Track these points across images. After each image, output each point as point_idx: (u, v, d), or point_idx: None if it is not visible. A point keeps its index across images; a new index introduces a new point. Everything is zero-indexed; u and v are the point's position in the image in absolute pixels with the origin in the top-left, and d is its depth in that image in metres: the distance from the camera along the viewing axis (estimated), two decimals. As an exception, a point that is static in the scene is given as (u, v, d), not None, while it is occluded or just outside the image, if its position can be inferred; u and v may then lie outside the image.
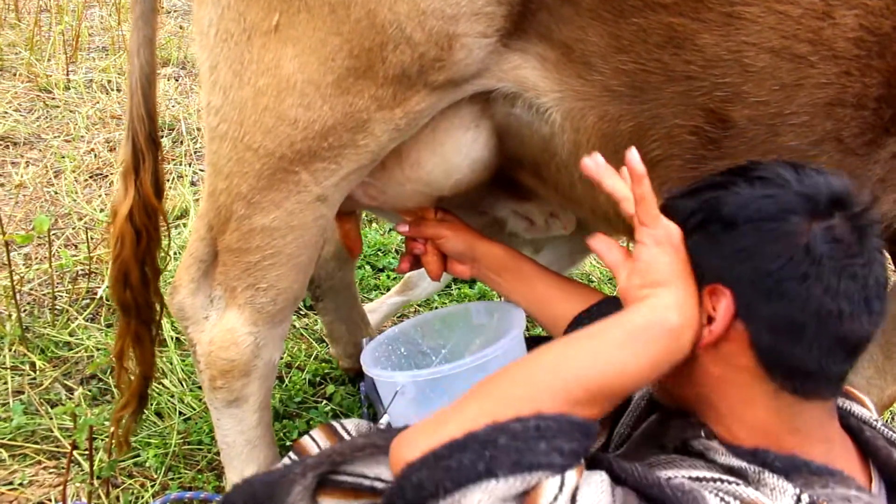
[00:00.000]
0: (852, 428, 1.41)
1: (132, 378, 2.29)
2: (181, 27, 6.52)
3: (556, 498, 1.11)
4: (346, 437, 1.91)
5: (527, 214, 2.21)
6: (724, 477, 1.27)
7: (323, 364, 3.16)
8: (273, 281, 1.93)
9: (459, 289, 3.76)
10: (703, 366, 1.36)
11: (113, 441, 2.34)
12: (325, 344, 3.24)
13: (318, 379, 3.10)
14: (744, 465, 1.29)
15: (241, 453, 2.20)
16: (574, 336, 1.36)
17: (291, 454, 1.96)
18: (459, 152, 1.85)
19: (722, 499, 1.17)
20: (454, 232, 2.04)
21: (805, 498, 1.19)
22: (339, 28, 1.55)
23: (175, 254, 3.59)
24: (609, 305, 1.88)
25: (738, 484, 1.24)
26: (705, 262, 1.35)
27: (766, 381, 1.31)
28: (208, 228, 1.95)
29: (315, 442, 1.94)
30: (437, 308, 3.59)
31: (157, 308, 2.26)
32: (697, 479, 1.26)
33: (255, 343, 2.02)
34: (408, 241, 2.13)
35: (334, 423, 1.97)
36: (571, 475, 1.14)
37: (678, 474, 1.29)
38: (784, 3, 1.51)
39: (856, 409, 1.44)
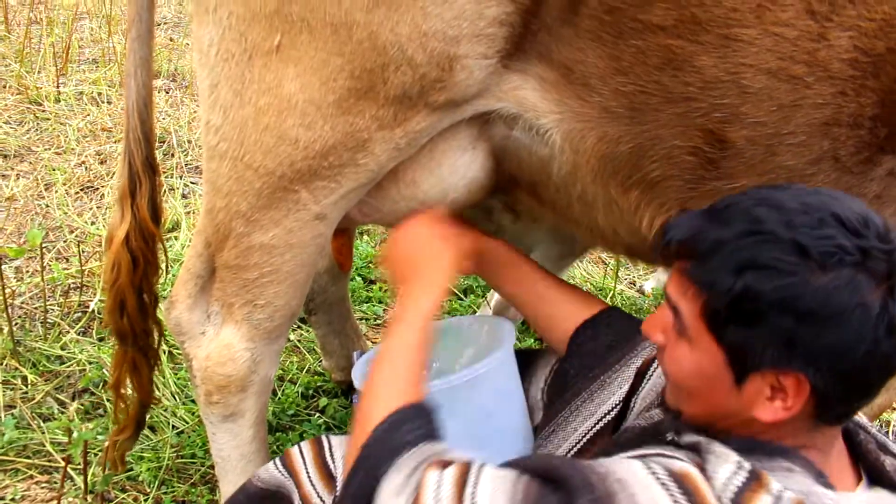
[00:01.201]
0: (848, 431, 1.43)
1: (129, 405, 2.27)
2: (171, 39, 6.52)
3: (439, 486, 1.29)
4: (328, 454, 1.92)
5: (514, 207, 2.23)
6: (668, 452, 1.36)
7: (315, 377, 3.16)
8: (271, 298, 1.93)
9: (450, 302, 3.77)
10: (756, 418, 1.34)
11: (108, 459, 2.33)
12: (317, 356, 3.24)
13: (310, 392, 3.10)
14: (700, 438, 1.35)
15: (236, 467, 2.20)
16: (384, 350, 1.64)
17: (278, 462, 1.97)
18: (456, 173, 1.86)
19: (650, 468, 1.25)
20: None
21: (746, 465, 1.24)
22: (341, 49, 1.56)
23: (167, 267, 3.58)
24: (612, 316, 1.90)
25: (677, 459, 1.30)
26: (770, 351, 1.26)
27: (810, 421, 1.32)
28: (206, 245, 1.96)
29: (302, 455, 1.96)
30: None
31: (156, 335, 2.24)
32: (642, 455, 1.35)
33: (251, 359, 2.03)
34: None
35: (322, 439, 1.98)
36: (450, 471, 1.32)
37: (624, 455, 1.40)
38: (780, 25, 1.53)
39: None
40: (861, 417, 1.46)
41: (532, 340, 3.47)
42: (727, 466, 1.25)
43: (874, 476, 1.37)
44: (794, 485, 1.23)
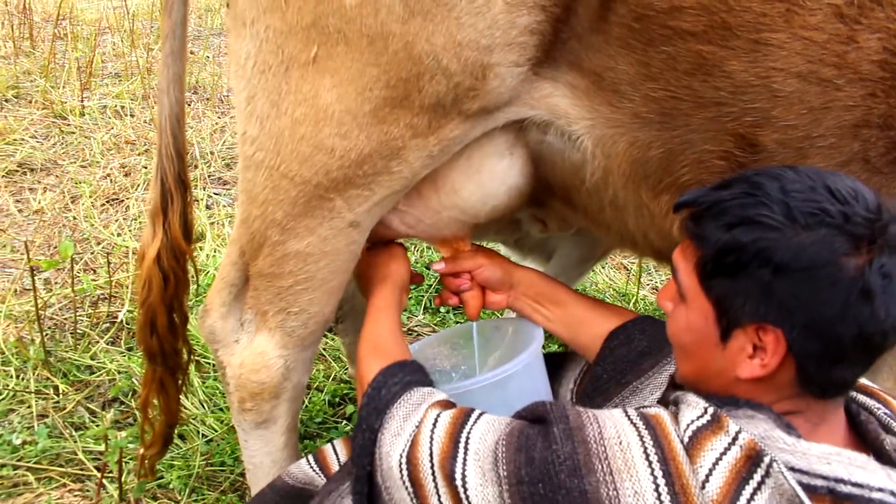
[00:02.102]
0: (851, 412, 1.46)
1: (155, 424, 2.28)
2: (192, 52, 6.58)
3: (433, 429, 1.48)
4: None
5: (542, 218, 2.24)
6: (648, 404, 1.52)
7: (342, 384, 3.18)
8: (304, 305, 1.96)
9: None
10: (737, 375, 1.39)
11: (139, 469, 2.35)
12: (343, 364, 3.27)
13: (337, 399, 3.12)
14: (679, 392, 1.45)
15: (268, 474, 2.22)
16: (364, 335, 1.91)
17: (310, 459, 1.99)
18: (495, 178, 1.88)
19: (626, 411, 1.39)
20: (490, 259, 2.06)
21: (710, 410, 1.33)
22: (377, 59, 1.59)
23: (192, 277, 3.61)
24: (646, 323, 1.91)
25: (655, 407, 1.43)
26: (750, 303, 1.33)
27: (797, 389, 1.35)
28: (240, 254, 1.98)
29: (335, 453, 1.98)
30: (451, 325, 3.61)
31: (185, 355, 2.25)
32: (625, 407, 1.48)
33: (285, 366, 2.05)
34: (446, 278, 2.12)
35: None
36: (449, 412, 1.51)
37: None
38: (809, 28, 1.54)
39: (861, 397, 1.48)
40: (866, 399, 1.48)
41: (556, 346, 3.48)
42: (694, 412, 1.35)
43: (876, 453, 1.38)
44: (753, 428, 1.30)
